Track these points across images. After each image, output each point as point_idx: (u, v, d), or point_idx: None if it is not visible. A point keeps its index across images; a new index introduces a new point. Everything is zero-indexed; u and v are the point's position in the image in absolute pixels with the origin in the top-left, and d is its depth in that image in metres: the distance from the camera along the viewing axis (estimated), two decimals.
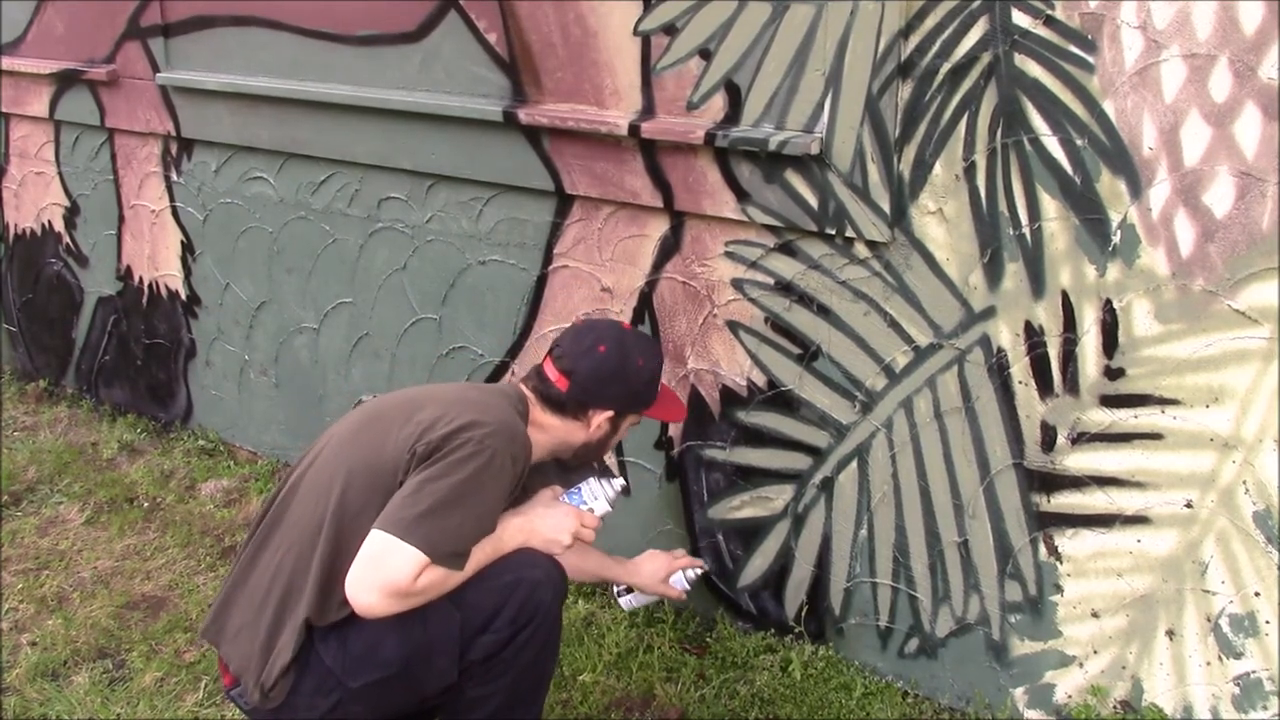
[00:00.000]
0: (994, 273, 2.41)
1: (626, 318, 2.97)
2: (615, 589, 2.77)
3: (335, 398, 3.72)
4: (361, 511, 2.10)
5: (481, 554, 2.14)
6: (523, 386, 2.36)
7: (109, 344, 4.50)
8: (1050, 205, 2.31)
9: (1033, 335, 2.40)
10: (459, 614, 2.12)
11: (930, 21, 2.36)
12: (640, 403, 2.41)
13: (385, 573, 2.00)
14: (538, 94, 2.98)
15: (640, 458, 3.05)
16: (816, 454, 2.76)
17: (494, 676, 2.17)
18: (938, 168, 2.43)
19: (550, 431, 2.34)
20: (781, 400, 2.78)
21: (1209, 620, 2.33)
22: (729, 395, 2.86)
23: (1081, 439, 2.39)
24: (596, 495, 2.42)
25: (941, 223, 2.45)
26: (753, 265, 2.74)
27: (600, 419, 2.35)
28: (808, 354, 2.71)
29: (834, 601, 2.83)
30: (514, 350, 3.23)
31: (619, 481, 2.48)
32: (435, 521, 2.02)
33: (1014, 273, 2.39)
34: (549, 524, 2.27)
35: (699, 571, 2.75)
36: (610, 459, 3.09)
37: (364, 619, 2.06)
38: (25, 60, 4.33)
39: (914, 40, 2.39)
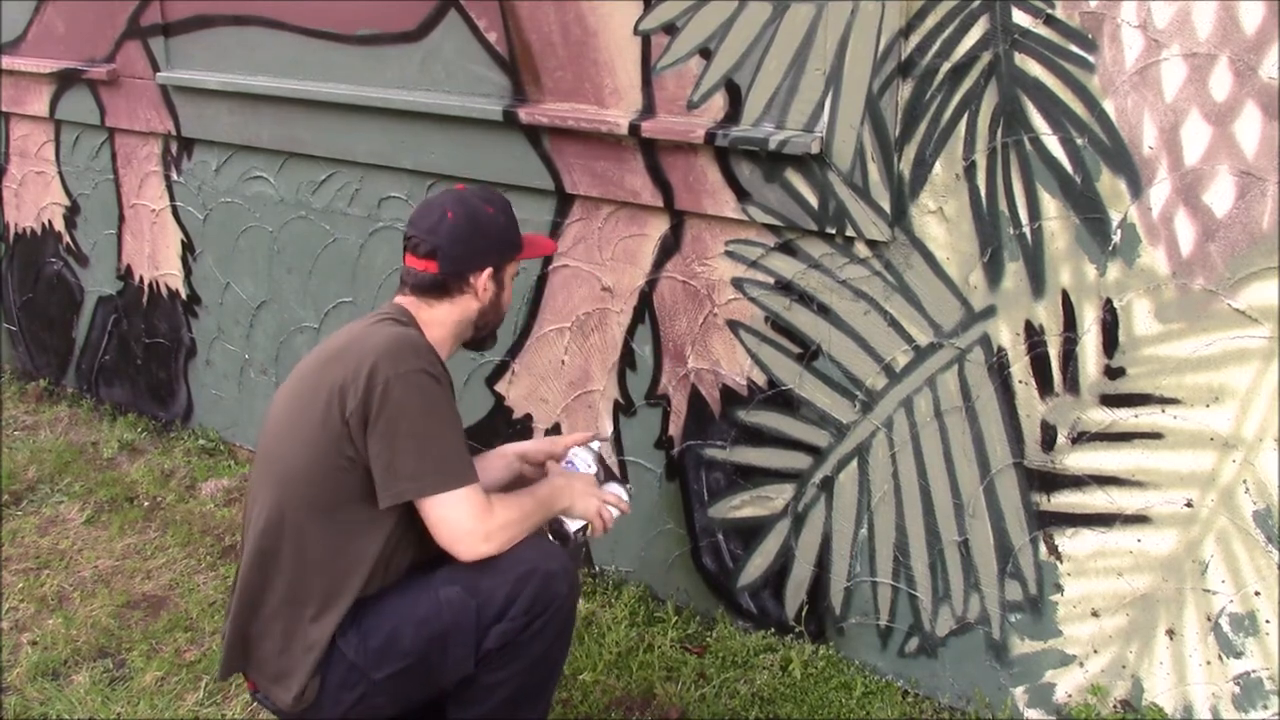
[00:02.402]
0: (994, 272, 2.41)
1: (627, 317, 2.98)
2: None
3: None
4: (314, 506, 2.15)
5: (534, 519, 2.26)
6: (400, 301, 2.34)
7: (109, 343, 4.50)
8: (1050, 204, 2.31)
9: (1033, 334, 2.40)
10: (474, 602, 2.16)
11: (930, 21, 2.36)
12: (511, 248, 2.40)
13: (457, 524, 2.12)
14: (538, 93, 2.98)
15: (640, 457, 3.05)
16: (817, 453, 2.76)
17: (506, 664, 2.20)
18: (938, 167, 2.43)
19: (447, 320, 2.33)
20: (782, 399, 2.78)
21: (1209, 619, 2.33)
22: (729, 394, 2.86)
23: (1082, 438, 2.39)
24: (583, 459, 2.55)
25: (942, 222, 2.45)
26: (753, 264, 2.74)
27: (483, 280, 2.33)
28: (808, 353, 2.71)
29: (834, 601, 2.83)
30: (514, 350, 3.23)
31: (595, 443, 2.59)
32: (432, 458, 2.11)
33: (1014, 272, 2.39)
34: (584, 478, 2.44)
35: (599, 444, 2.62)
36: (612, 459, 3.09)
37: (377, 611, 2.16)
38: (25, 59, 4.33)
39: (914, 39, 2.39)
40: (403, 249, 2.34)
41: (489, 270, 2.33)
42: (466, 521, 2.13)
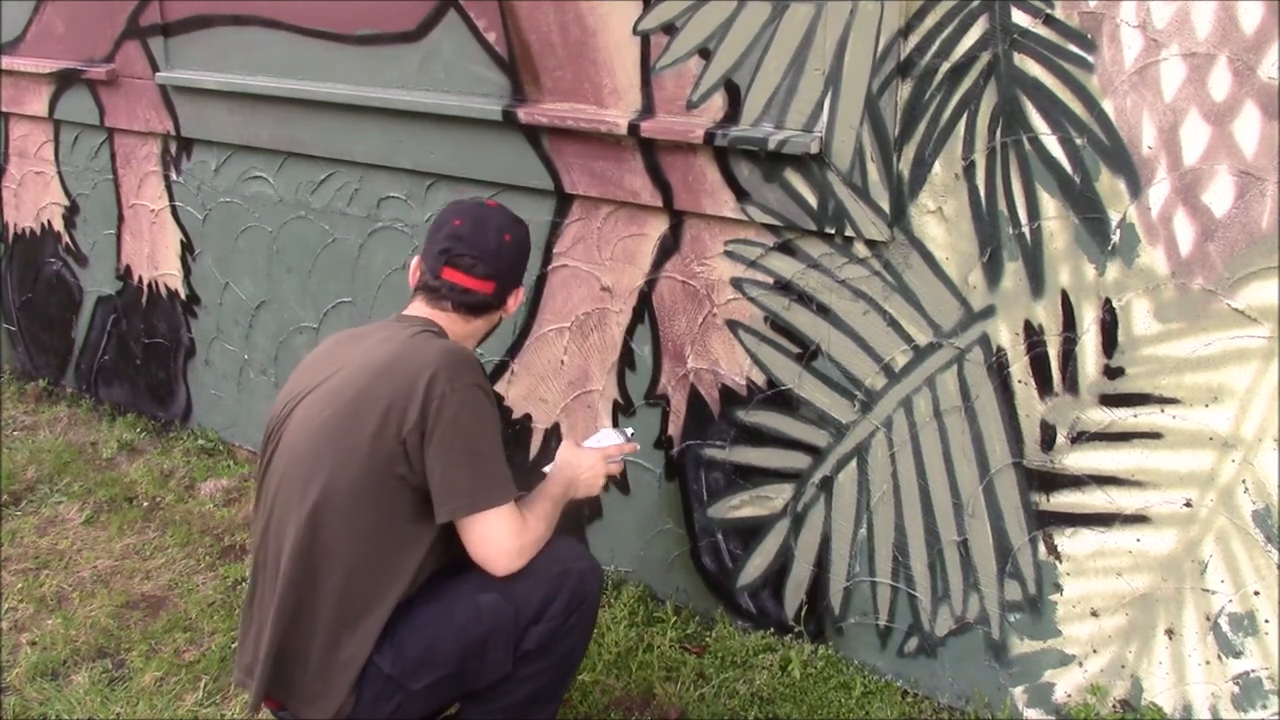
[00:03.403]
0: (993, 272, 2.41)
1: (626, 317, 2.98)
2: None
3: None
4: (358, 529, 2.13)
5: (554, 520, 2.30)
6: (430, 314, 2.30)
7: (108, 343, 4.50)
8: (1050, 204, 2.31)
9: (1032, 334, 2.40)
10: (511, 607, 2.18)
11: (930, 21, 2.36)
12: None
13: (497, 543, 2.14)
14: (537, 93, 2.98)
15: (640, 457, 3.05)
16: (816, 453, 2.76)
17: (538, 659, 2.23)
18: (937, 167, 2.43)
19: (477, 334, 2.39)
20: (781, 399, 2.78)
21: (1208, 619, 2.33)
22: (728, 394, 2.86)
23: (1081, 438, 2.39)
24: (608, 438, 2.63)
25: (941, 222, 2.45)
26: (752, 264, 2.74)
27: (519, 295, 2.40)
28: (807, 353, 2.71)
29: (833, 600, 2.83)
30: (513, 349, 3.23)
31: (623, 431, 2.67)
32: (483, 475, 2.13)
33: (1013, 272, 2.39)
34: (585, 461, 2.46)
35: (628, 432, 2.67)
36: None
37: (411, 622, 2.16)
38: (25, 59, 4.33)
39: (913, 39, 2.39)
40: (439, 262, 2.28)
41: (522, 288, 2.39)
42: (505, 540, 2.14)
